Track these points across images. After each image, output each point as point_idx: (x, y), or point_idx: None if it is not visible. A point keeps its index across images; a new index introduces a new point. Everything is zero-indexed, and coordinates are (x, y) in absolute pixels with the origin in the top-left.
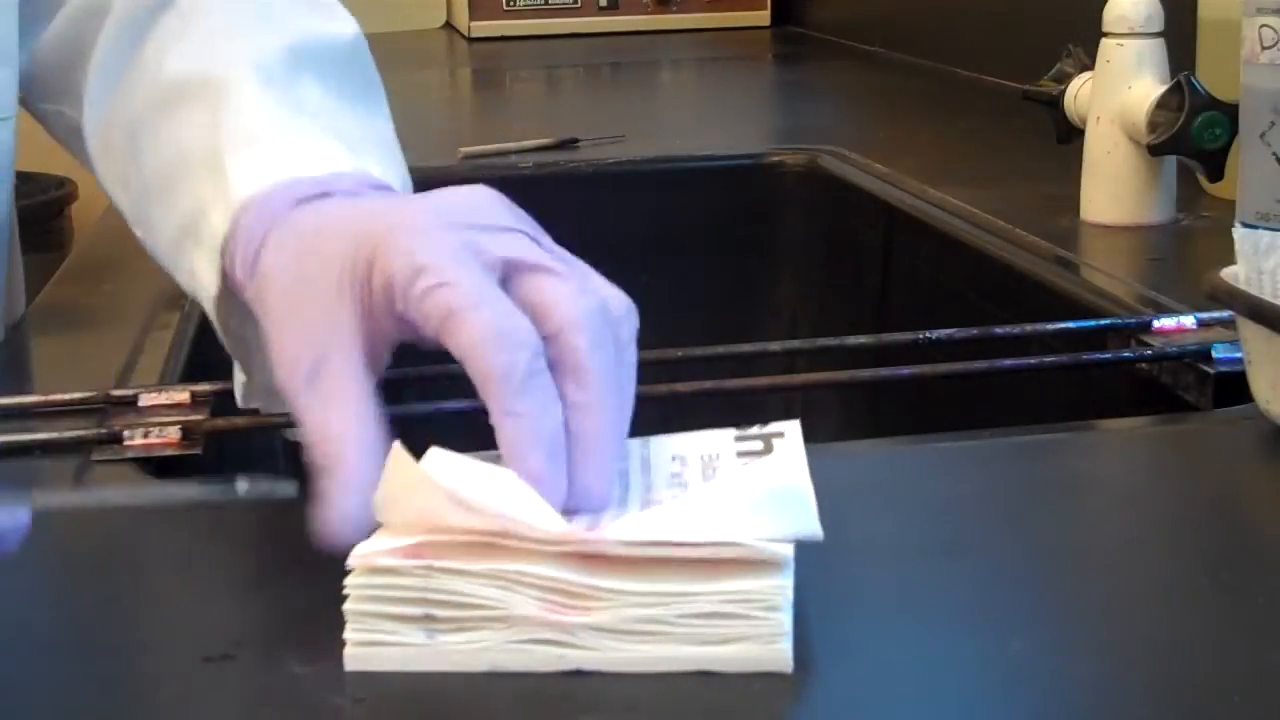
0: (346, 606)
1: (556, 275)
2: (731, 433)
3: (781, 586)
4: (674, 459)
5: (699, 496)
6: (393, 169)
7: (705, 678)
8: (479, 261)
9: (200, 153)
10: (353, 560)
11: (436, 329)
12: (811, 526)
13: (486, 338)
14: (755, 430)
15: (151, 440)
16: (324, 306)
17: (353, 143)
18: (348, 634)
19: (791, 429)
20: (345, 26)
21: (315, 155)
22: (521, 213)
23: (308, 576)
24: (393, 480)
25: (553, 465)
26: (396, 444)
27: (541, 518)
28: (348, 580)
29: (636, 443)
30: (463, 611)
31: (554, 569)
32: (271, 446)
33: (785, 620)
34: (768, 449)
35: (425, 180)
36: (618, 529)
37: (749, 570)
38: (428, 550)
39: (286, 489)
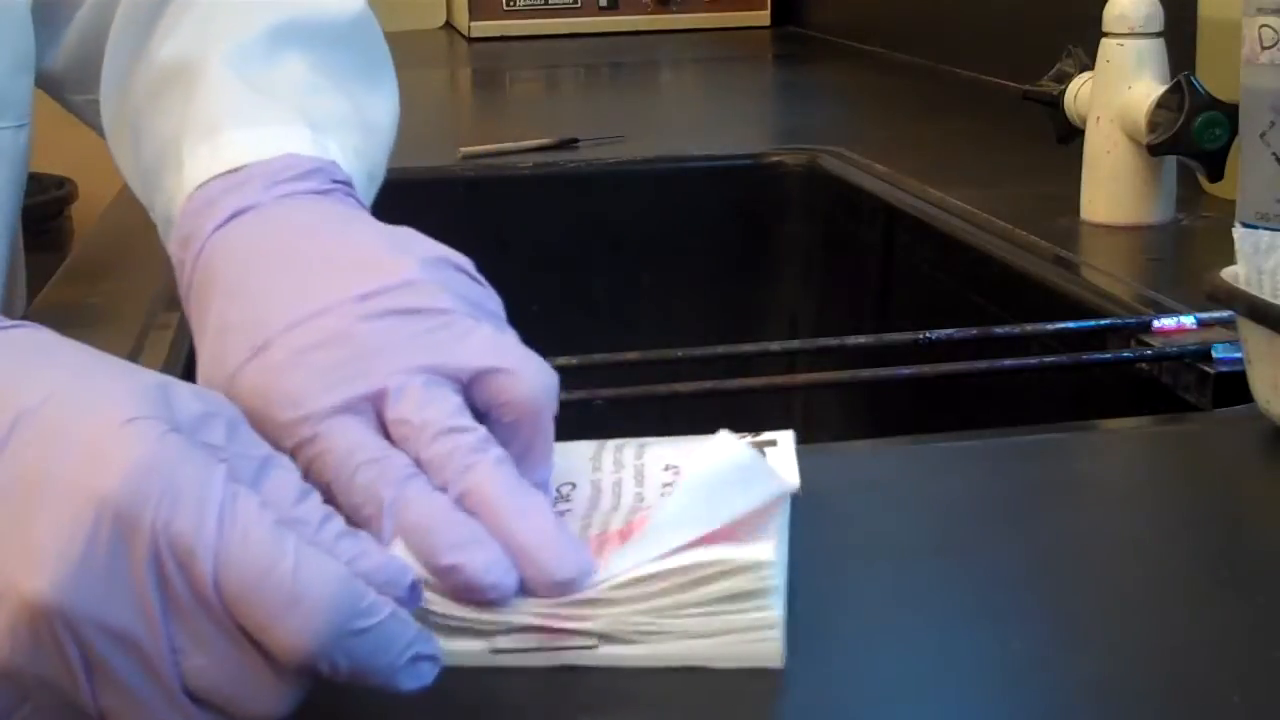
0: None
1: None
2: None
3: (769, 576)
4: (667, 469)
5: (665, 512)
6: (360, 153)
7: (698, 674)
8: (352, 403)
9: (173, 143)
10: None
11: (323, 489)
12: (780, 484)
13: (369, 498)
14: (749, 439)
15: None
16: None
17: (319, 124)
18: None
19: (784, 438)
20: (347, 4)
21: (272, 142)
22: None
23: None
24: None
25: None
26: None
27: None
28: None
29: (631, 451)
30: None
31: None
32: None
33: (776, 614)
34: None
35: (426, 180)
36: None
37: (734, 571)
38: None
39: None
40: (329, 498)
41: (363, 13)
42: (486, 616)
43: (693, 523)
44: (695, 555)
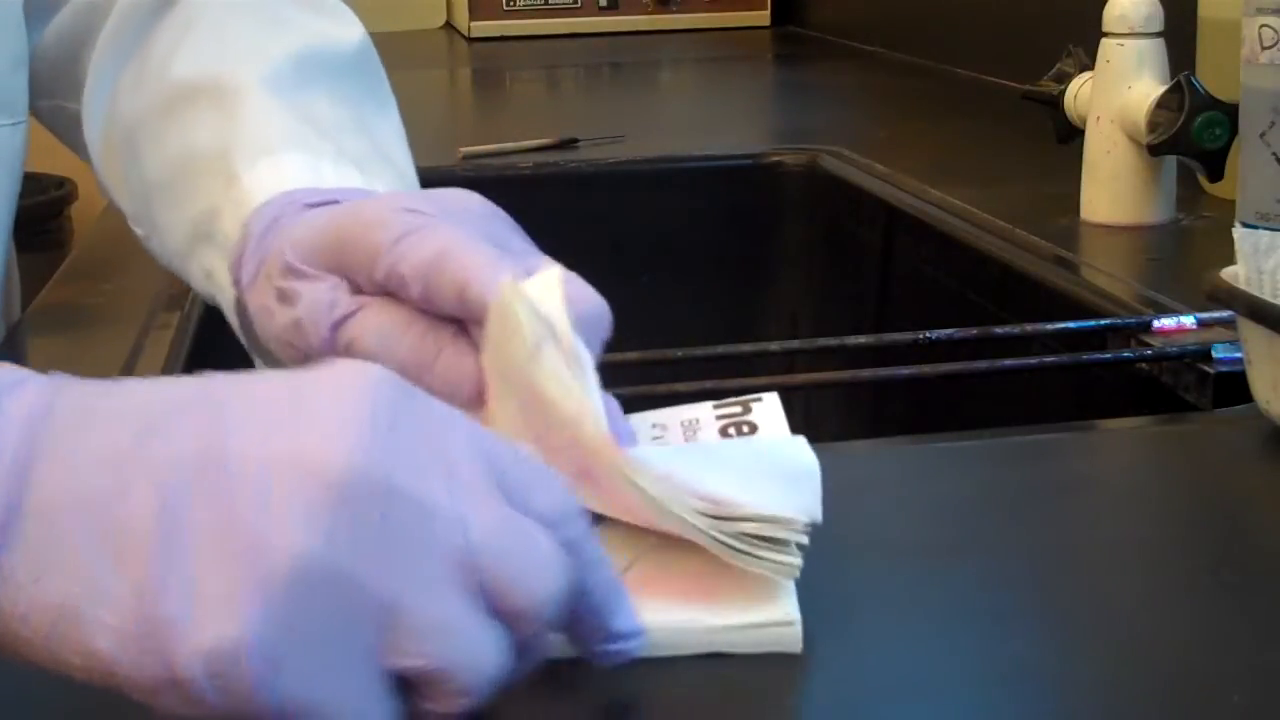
0: None
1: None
2: (709, 404)
3: (799, 534)
4: (654, 426)
5: (715, 450)
6: (401, 185)
7: (712, 672)
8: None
9: (211, 156)
10: None
11: (425, 271)
12: (816, 512)
13: (486, 263)
14: (731, 399)
15: None
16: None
17: (362, 162)
18: None
19: (769, 397)
20: (352, 31)
21: (327, 173)
22: (503, 215)
23: None
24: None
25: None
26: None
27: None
28: None
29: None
30: None
31: None
32: None
33: (793, 592)
34: (746, 410)
35: (426, 180)
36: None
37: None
38: None
39: None
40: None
41: (365, 40)
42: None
43: (726, 482)
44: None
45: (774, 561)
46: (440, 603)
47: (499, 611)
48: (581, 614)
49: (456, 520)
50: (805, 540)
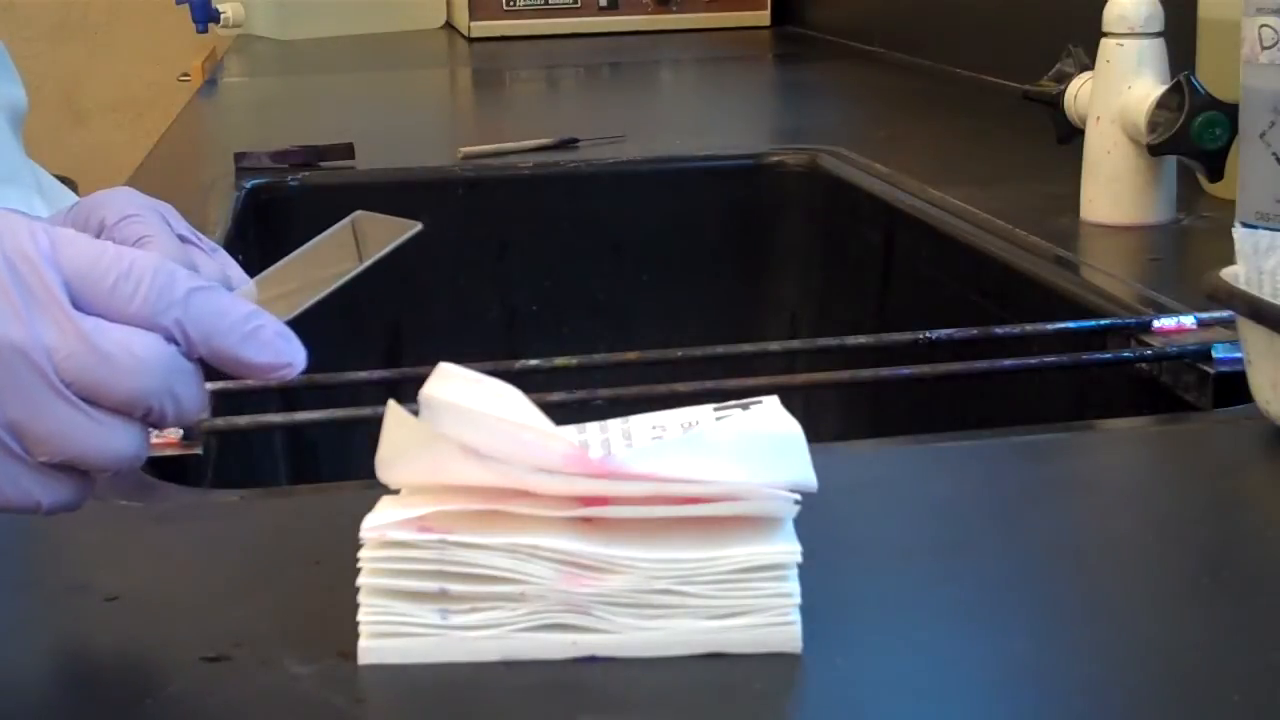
0: (361, 581)
1: None
2: (709, 406)
3: (789, 552)
4: (654, 427)
5: (698, 436)
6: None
7: (712, 672)
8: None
9: None
10: (365, 533)
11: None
12: (806, 476)
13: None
14: (731, 402)
15: (152, 440)
16: None
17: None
18: (361, 617)
19: (770, 399)
20: None
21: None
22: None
23: (308, 576)
24: (392, 438)
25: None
26: (391, 401)
27: (548, 445)
28: (361, 554)
29: (616, 422)
30: (478, 586)
31: (568, 541)
32: (271, 446)
33: (793, 590)
34: (746, 412)
35: (426, 180)
36: (627, 455)
37: (756, 534)
38: (439, 523)
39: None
40: None
41: None
42: (505, 575)
43: (716, 462)
44: (719, 473)
45: (772, 596)
46: (49, 418)
47: (109, 407)
48: (221, 360)
49: (40, 351)
50: (799, 558)
